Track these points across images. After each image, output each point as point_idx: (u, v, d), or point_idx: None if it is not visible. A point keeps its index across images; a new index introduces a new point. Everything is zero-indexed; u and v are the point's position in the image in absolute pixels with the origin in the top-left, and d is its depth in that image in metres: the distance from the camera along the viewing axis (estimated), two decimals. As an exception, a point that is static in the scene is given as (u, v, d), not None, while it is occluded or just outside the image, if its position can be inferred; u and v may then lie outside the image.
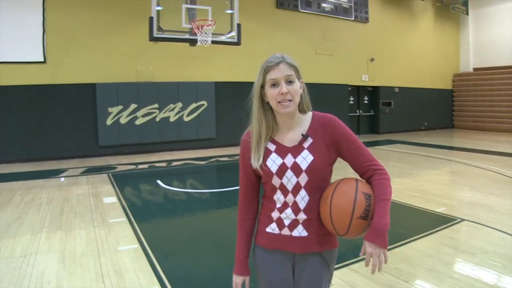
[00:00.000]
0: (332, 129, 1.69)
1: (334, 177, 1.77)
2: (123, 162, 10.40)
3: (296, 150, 1.67)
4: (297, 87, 1.64)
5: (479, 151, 11.87)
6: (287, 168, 1.66)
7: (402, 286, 3.34)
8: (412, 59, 18.57)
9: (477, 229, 4.80)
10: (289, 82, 1.62)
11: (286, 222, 1.70)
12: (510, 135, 16.40)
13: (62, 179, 8.33)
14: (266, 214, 1.77)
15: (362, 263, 3.83)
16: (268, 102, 1.68)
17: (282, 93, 1.60)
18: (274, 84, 1.62)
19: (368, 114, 17.95)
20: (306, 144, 1.68)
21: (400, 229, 4.78)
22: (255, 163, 1.69)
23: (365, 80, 17.15)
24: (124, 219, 5.47)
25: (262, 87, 1.67)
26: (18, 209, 5.93)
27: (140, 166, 9.86)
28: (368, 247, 1.54)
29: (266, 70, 1.63)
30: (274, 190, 1.71)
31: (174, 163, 10.41)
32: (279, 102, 1.61)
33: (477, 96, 19.30)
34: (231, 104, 12.94)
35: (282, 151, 1.69)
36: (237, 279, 1.81)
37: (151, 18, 8.93)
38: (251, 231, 1.83)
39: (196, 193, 7.47)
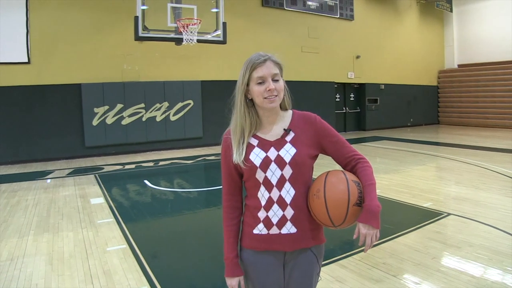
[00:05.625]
0: (314, 125, 1.74)
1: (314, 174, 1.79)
2: (110, 163, 10.31)
3: (279, 144, 1.69)
4: (282, 85, 1.68)
5: (464, 146, 12.03)
6: (270, 161, 1.66)
7: (391, 280, 3.37)
8: (398, 56, 18.73)
9: (464, 223, 4.87)
10: (275, 80, 1.65)
11: (274, 220, 1.68)
12: (495, 130, 16.64)
13: (49, 180, 8.23)
14: (252, 214, 1.73)
15: (351, 258, 3.87)
16: (251, 99, 1.70)
17: (269, 90, 1.62)
18: (261, 82, 1.64)
19: (354, 111, 18.06)
20: (288, 138, 1.70)
21: (387, 224, 4.83)
22: (238, 158, 1.68)
23: (351, 77, 17.25)
24: (112, 219, 5.43)
25: (247, 84, 1.67)
26: (4, 212, 5.84)
27: (127, 166, 9.79)
28: (362, 228, 1.57)
29: (252, 67, 1.64)
30: (257, 186, 1.69)
31: (161, 163, 10.36)
32: (265, 97, 1.63)
33: (461, 92, 19.55)
34: (217, 103, 12.86)
35: (264, 145, 1.70)
36: (232, 282, 1.74)
37: (136, 18, 8.89)
38: (238, 230, 1.79)
39: (183, 192, 7.43)
